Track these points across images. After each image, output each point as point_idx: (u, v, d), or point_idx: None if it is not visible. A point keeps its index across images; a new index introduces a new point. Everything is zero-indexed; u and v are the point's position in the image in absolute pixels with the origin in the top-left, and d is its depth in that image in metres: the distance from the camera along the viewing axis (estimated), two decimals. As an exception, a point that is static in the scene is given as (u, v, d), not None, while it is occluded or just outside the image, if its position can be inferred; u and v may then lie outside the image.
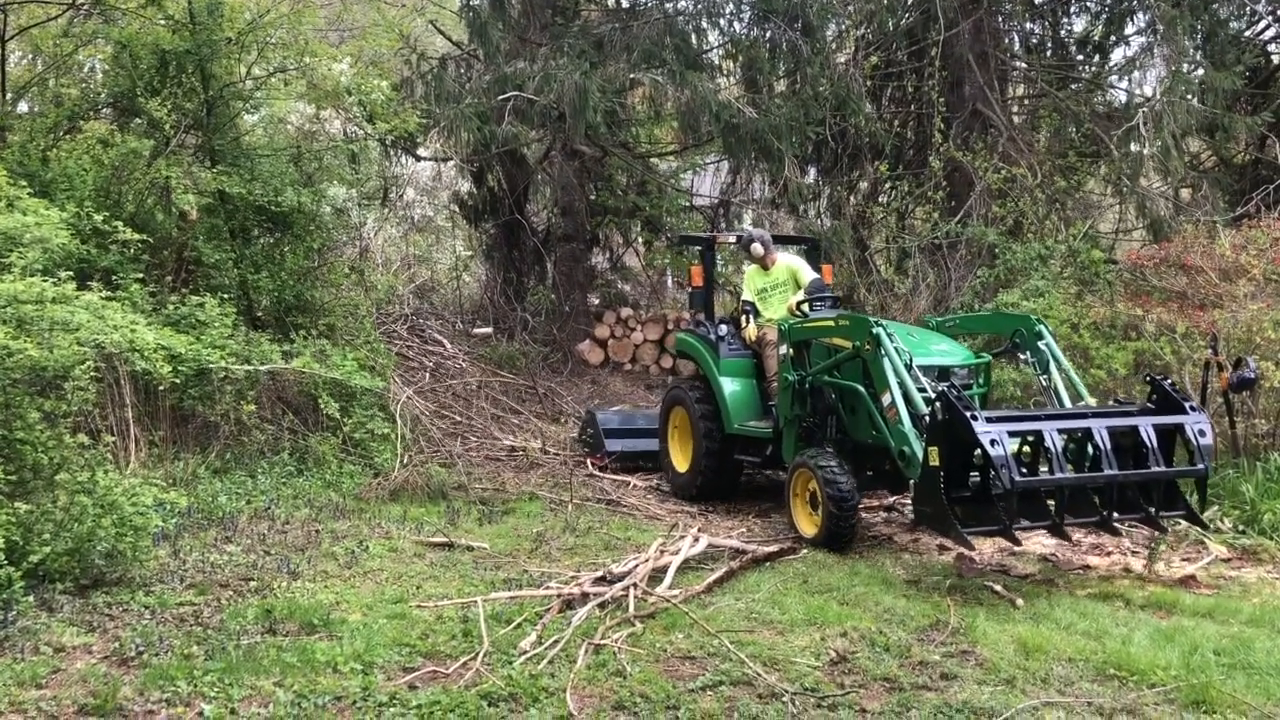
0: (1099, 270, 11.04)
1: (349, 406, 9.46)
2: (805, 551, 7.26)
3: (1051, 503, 6.34)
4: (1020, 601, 6.09)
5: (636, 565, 6.40)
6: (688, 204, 16.10)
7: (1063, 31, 14.76)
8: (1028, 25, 14.60)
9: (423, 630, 5.41)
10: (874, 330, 7.08)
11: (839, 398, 7.86)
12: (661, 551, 6.77)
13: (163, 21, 9.43)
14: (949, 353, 7.72)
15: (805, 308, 8.63)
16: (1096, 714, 4.46)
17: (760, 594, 6.19)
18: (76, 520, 5.81)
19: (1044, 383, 7.42)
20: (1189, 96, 11.68)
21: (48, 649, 4.99)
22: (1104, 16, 14.20)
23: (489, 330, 14.41)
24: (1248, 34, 13.84)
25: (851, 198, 14.92)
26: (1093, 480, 6.33)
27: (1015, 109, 14.41)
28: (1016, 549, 6.77)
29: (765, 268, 9.18)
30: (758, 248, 9.12)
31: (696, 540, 7.05)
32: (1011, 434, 6.17)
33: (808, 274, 9.06)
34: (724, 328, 9.22)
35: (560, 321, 14.54)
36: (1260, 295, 9.05)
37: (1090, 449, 6.38)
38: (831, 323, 7.80)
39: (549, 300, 14.59)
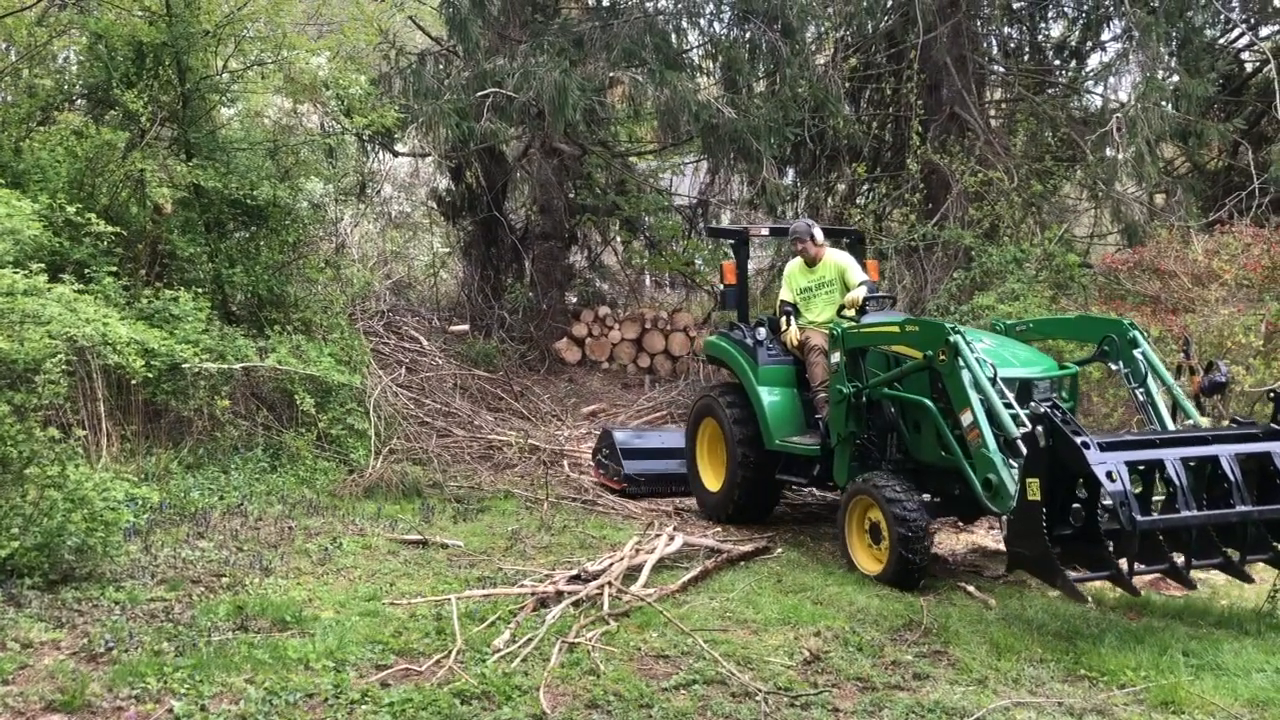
0: (1074, 274, 11.14)
1: (324, 402, 9.40)
2: (780, 551, 7.27)
3: (1163, 538, 5.48)
4: (993, 602, 6.14)
5: (611, 564, 6.39)
6: (666, 204, 16.10)
7: (1040, 36, 14.89)
8: (1005, 30, 14.73)
9: (396, 628, 5.39)
10: (951, 338, 6.15)
11: (901, 413, 6.93)
12: (637, 550, 6.76)
13: (139, 13, 9.35)
14: (1030, 362, 6.75)
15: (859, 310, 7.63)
16: (1067, 714, 4.50)
17: (735, 593, 6.20)
18: (46, 515, 5.77)
19: (1140, 398, 6.55)
20: (1163, 103, 11.78)
21: (15, 645, 4.94)
22: (1081, 22, 14.32)
23: (466, 327, 14.36)
24: (1221, 41, 13.99)
25: (829, 199, 15.00)
26: (1225, 518, 5.46)
27: (992, 113, 14.51)
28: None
29: (810, 264, 8.16)
30: (811, 239, 8.11)
31: (672, 539, 7.05)
32: (1127, 464, 5.24)
33: (857, 273, 8.02)
34: (762, 331, 8.21)
35: (538, 319, 14.52)
36: (1232, 300, 9.15)
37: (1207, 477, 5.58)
38: (896, 329, 6.77)
39: (526, 298, 14.56)
